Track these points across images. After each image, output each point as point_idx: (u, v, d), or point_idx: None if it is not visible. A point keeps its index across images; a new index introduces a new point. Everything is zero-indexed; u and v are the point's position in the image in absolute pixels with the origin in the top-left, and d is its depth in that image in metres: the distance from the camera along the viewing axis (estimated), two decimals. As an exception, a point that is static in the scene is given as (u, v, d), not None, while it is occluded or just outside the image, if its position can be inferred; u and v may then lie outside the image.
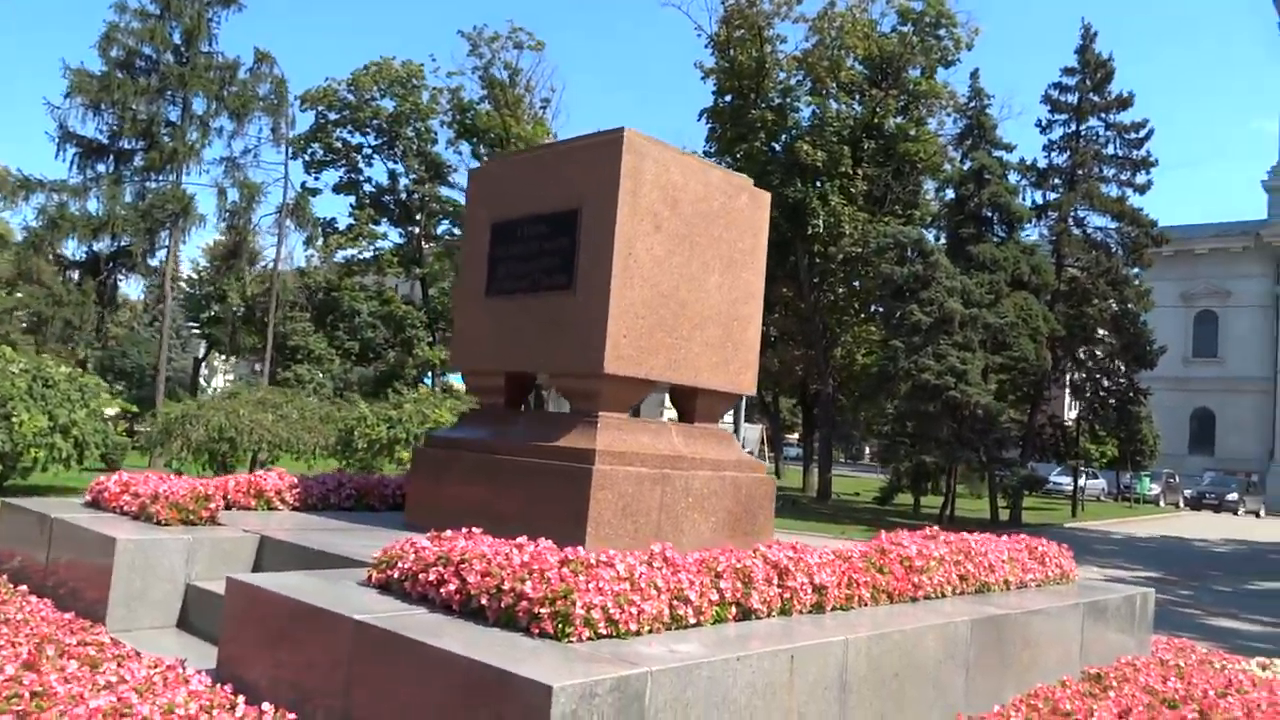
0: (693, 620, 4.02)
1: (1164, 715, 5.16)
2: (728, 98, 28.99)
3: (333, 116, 42.99)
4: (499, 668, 3.13)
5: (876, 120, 28.93)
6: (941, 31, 29.09)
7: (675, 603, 3.97)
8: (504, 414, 6.97)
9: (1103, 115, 26.64)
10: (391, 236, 45.50)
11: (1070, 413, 32.29)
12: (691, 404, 7.03)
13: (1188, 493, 47.78)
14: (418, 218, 45.61)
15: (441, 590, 3.97)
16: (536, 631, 3.58)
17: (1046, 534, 21.90)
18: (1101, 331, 26.11)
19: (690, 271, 6.73)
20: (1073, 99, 26.82)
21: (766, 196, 7.63)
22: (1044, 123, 27.24)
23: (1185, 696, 5.65)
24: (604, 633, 3.63)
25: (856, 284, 28.38)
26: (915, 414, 22.32)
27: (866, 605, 4.98)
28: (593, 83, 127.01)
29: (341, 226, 44.16)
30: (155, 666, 4.13)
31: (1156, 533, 26.73)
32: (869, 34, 28.17)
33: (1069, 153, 26.59)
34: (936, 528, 6.59)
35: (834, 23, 27.06)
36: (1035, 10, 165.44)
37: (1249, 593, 16.22)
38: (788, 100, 28.59)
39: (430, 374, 42.89)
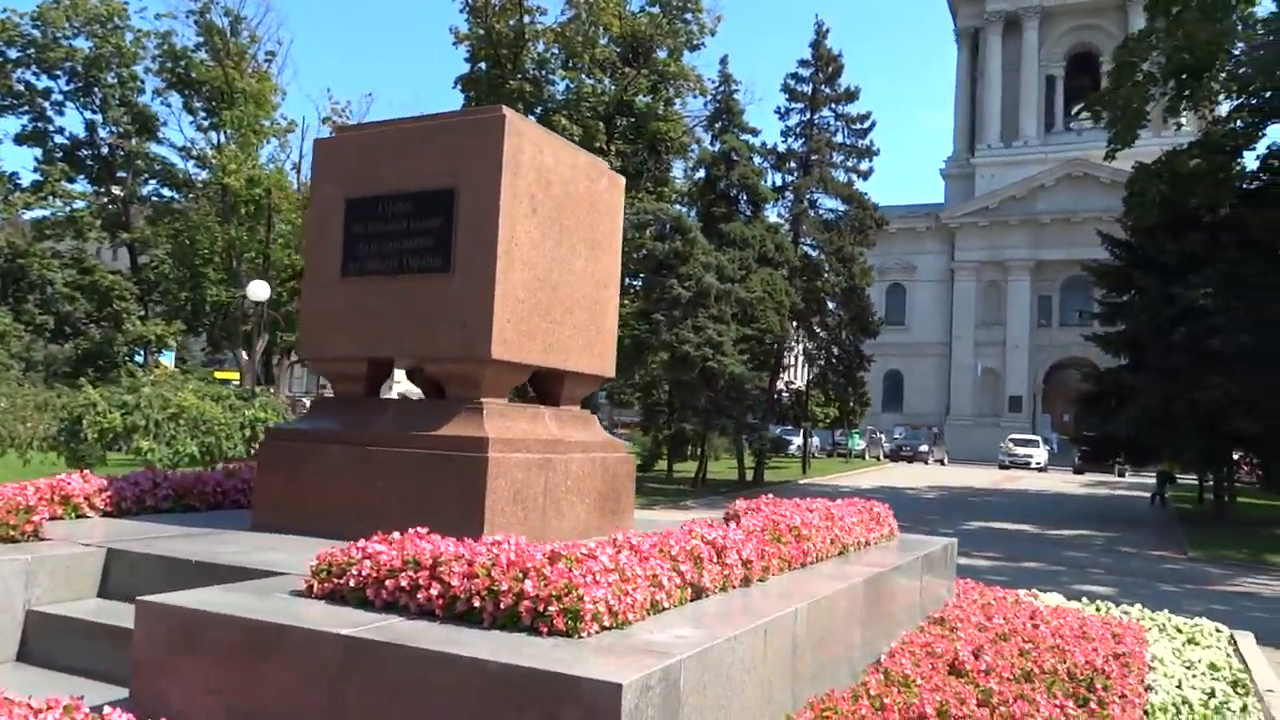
0: (666, 604, 4.13)
1: (1004, 648, 5.96)
2: (482, 65, 28.48)
3: (12, 54, 37.38)
4: (552, 671, 3.08)
5: (628, 98, 29.67)
6: (688, 16, 30.27)
7: (651, 588, 4.06)
8: (367, 403, 6.61)
9: (833, 106, 29.12)
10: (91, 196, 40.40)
11: (801, 379, 35.21)
12: (560, 387, 7.03)
13: (887, 446, 53.78)
14: (121, 175, 40.85)
15: (418, 596, 3.79)
16: (545, 630, 3.53)
17: (787, 490, 23.95)
18: (831, 304, 28.73)
19: (560, 255, 6.72)
20: (807, 89, 29.09)
21: (622, 180, 7.75)
22: (783, 110, 29.35)
23: (1011, 630, 6.56)
24: (607, 624, 3.66)
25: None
26: (676, 384, 23.39)
27: (774, 574, 5.32)
28: (330, 39, 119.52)
29: (26, 183, 38.68)
30: (45, 710, 3.40)
31: (876, 483, 29.97)
32: (620, 12, 28.76)
33: (804, 139, 28.85)
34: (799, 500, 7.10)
35: (588, -1, 27.39)
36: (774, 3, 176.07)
37: (968, 532, 18.66)
38: (543, 73, 28.58)
39: (144, 351, 38.83)
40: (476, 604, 3.68)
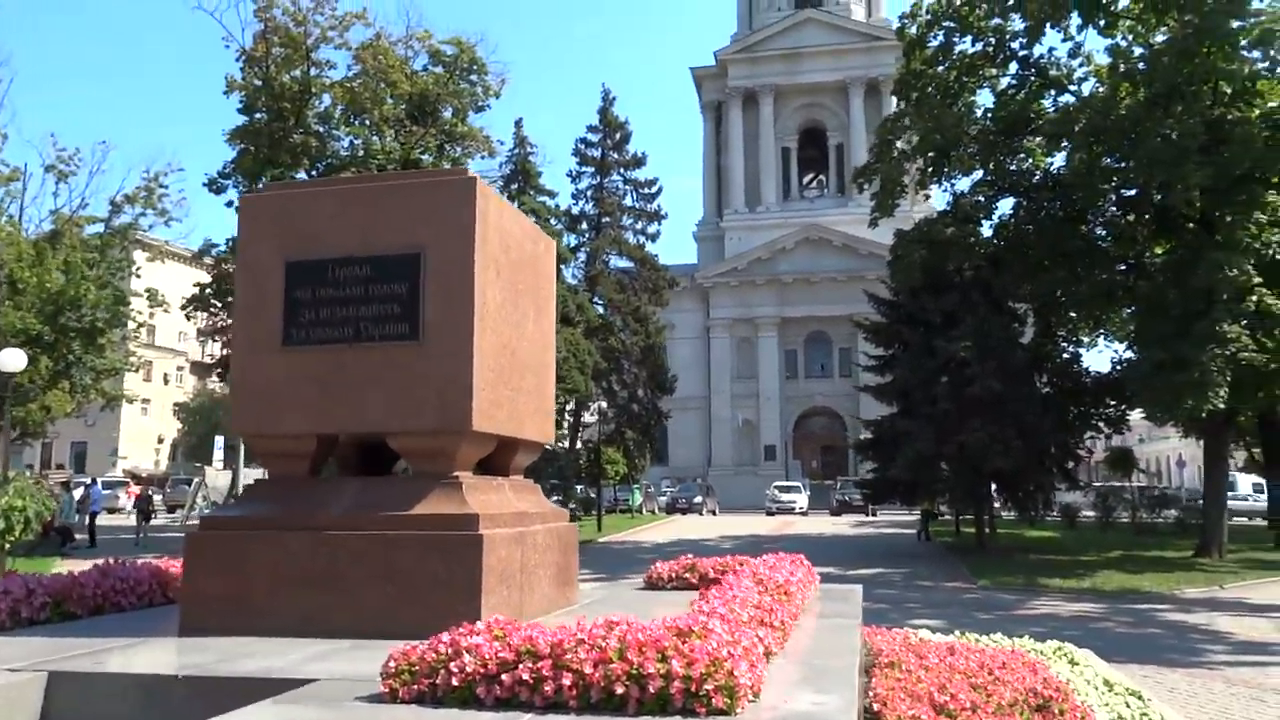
0: (760, 669, 4.11)
1: (960, 683, 6.37)
2: (261, 115, 26.97)
3: None
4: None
5: (415, 157, 29.13)
6: (474, 77, 30.34)
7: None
8: (318, 483, 6.05)
9: (622, 171, 30.17)
10: None
11: (593, 435, 35.53)
12: (513, 457, 6.77)
13: (662, 500, 55.13)
14: None
15: (544, 688, 3.55)
16: (703, 710, 3.42)
17: (596, 550, 24.11)
18: (626, 362, 29.41)
19: (516, 319, 6.56)
20: (597, 154, 29.96)
21: (554, 244, 7.67)
22: (574, 173, 30.02)
23: (947, 666, 7.00)
24: (750, 699, 3.60)
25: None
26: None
27: (790, 631, 5.42)
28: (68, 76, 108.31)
29: None
30: None
31: (672, 536, 30.67)
32: (408, 72, 28.35)
33: (595, 202, 29.60)
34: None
35: (377, 55, 26.72)
36: (567, 68, 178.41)
37: (785, 578, 19.50)
38: (327, 128, 27.49)
39: None
40: (619, 690, 3.49)
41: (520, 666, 3.61)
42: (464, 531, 5.46)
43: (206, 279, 32.00)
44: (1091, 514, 35.61)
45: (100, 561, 7.57)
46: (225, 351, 35.23)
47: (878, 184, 27.03)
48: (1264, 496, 56.05)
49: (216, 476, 53.29)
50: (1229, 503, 27.39)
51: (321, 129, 27.51)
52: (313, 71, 26.60)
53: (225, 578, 5.64)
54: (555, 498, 24.99)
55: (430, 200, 5.93)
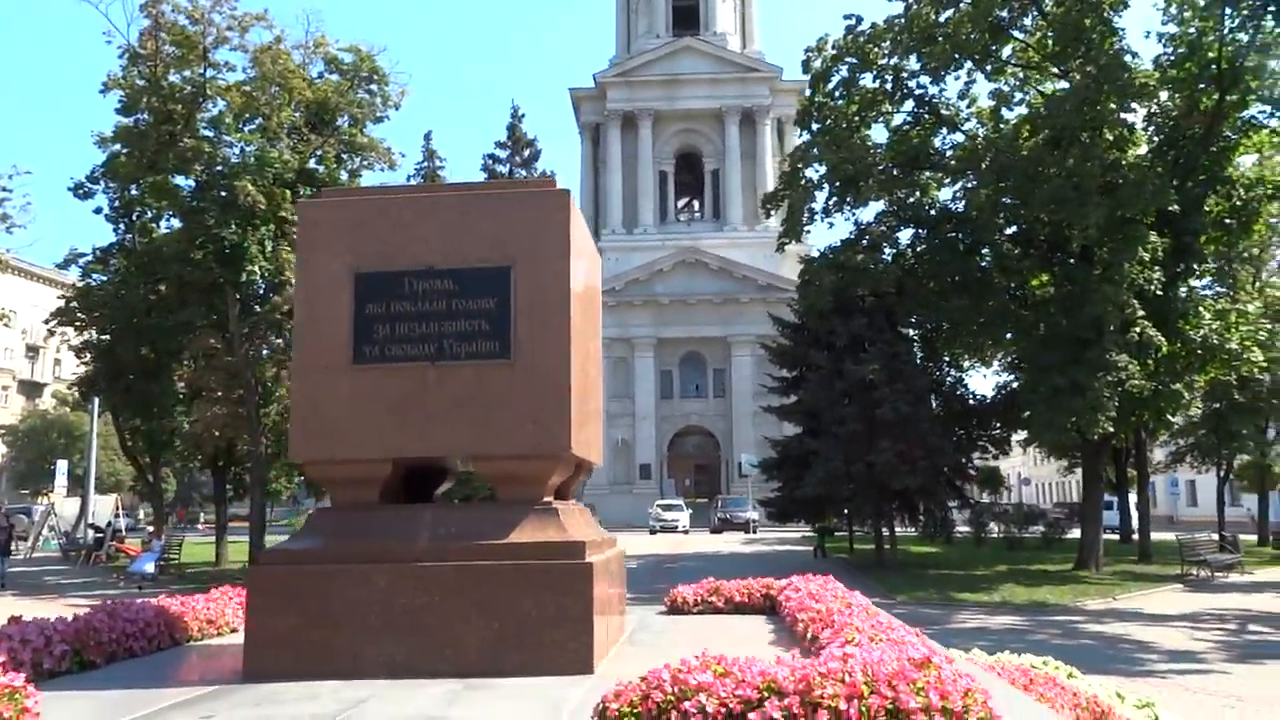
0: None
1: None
2: (142, 116, 25.26)
3: None
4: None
5: (312, 166, 27.96)
6: (374, 87, 29.38)
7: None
8: (392, 510, 5.63)
9: (531, 189, 29.70)
10: None
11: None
12: (576, 480, 6.52)
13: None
14: None
15: (800, 730, 3.39)
16: (966, 746, 3.34)
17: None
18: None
19: (589, 335, 6.36)
20: (505, 170, 29.53)
21: (599, 259, 7.46)
22: (482, 189, 29.38)
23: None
24: (996, 730, 3.54)
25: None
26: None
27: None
28: None
29: None
30: None
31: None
32: (309, 79, 27.20)
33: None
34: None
35: (276, 59, 25.49)
36: (469, 81, 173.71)
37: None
38: (217, 133, 26.00)
39: None
40: (887, 728, 3.36)
41: (767, 703, 3.43)
42: (572, 560, 5.21)
43: (53, 292, 29.60)
44: (966, 529, 37.35)
45: (99, 600, 6.83)
46: (83, 369, 32.70)
47: (785, 209, 27.78)
48: (1111, 513, 60.61)
49: (63, 505, 49.28)
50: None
51: (211, 134, 25.99)
52: (209, 73, 25.11)
53: (299, 617, 5.17)
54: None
55: (522, 212, 5.67)
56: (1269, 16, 25.09)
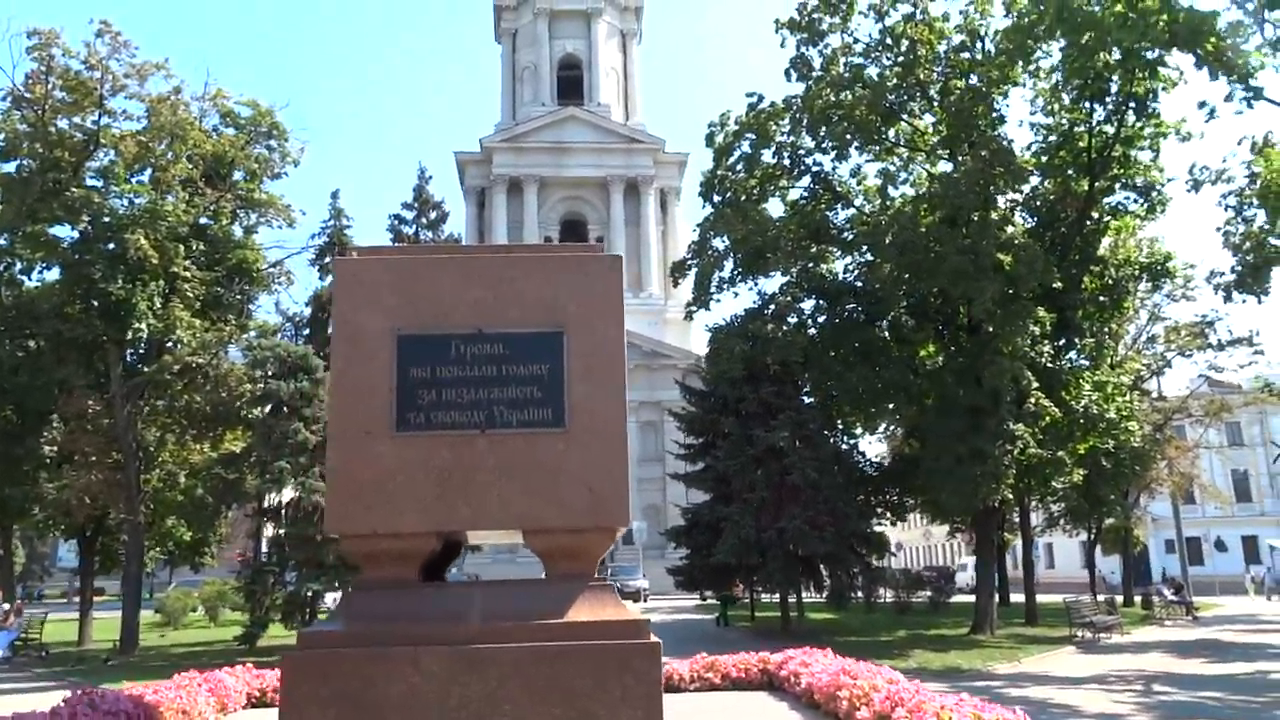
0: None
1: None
2: (24, 162, 23.69)
3: None
4: None
5: (205, 222, 26.77)
6: (273, 143, 28.54)
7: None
8: (434, 588, 5.28)
9: (438, 250, 29.21)
10: None
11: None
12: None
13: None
14: None
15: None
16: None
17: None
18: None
19: (624, 401, 6.18)
20: (411, 231, 28.96)
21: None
22: (388, 250, 28.70)
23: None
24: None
25: (196, 398, 25.10)
26: (299, 539, 20.90)
27: None
28: None
29: None
30: None
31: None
32: (203, 129, 26.16)
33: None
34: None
35: (175, 110, 24.43)
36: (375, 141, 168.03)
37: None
38: (108, 183, 24.60)
39: None
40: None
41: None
42: (637, 640, 4.99)
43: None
44: (857, 594, 38.02)
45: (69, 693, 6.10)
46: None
47: (692, 278, 28.28)
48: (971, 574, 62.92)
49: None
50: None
51: (99, 184, 24.55)
52: (103, 120, 23.77)
53: (344, 708, 4.74)
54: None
55: (575, 276, 5.52)
56: (1130, 112, 27.48)
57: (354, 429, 5.23)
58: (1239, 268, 29.99)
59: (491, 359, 5.35)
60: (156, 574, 56.35)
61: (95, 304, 23.91)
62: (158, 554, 32.49)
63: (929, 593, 37.45)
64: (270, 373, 22.17)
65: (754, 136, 29.69)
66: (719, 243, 28.00)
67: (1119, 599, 35.42)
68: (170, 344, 25.16)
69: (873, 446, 42.22)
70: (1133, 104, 27.10)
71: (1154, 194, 28.11)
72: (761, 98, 29.67)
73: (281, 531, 23.19)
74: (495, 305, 5.40)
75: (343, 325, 5.43)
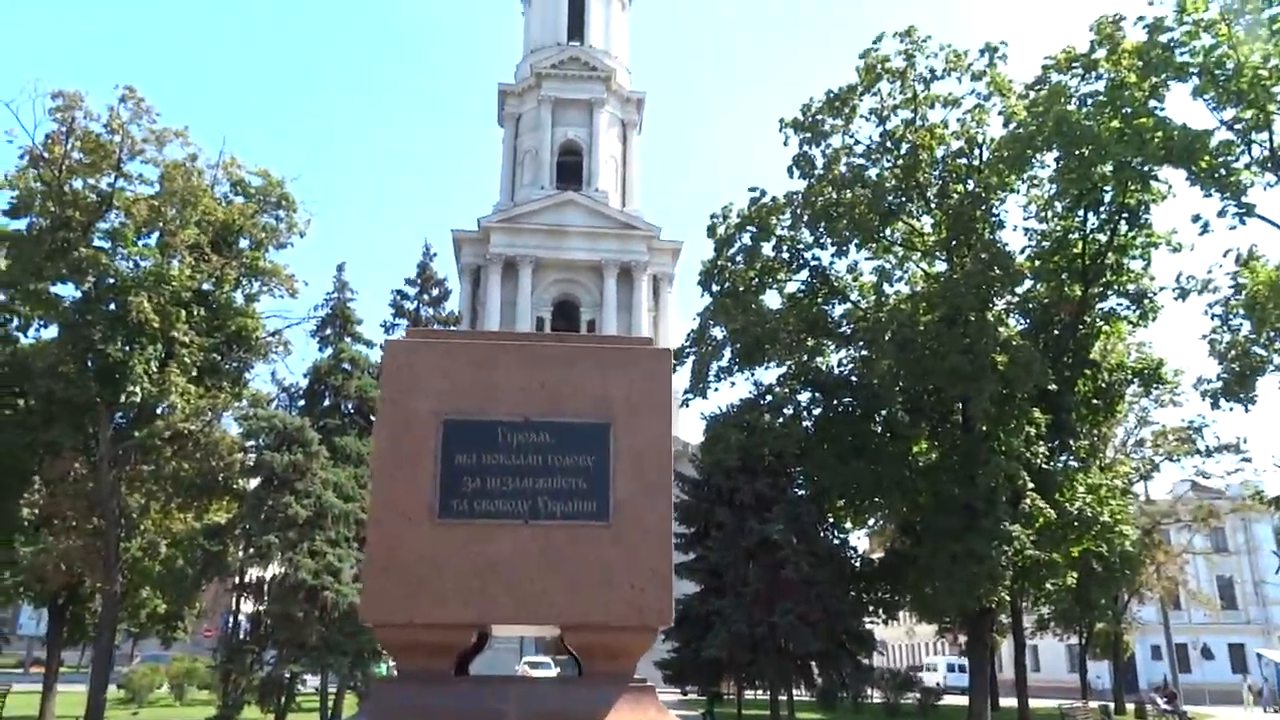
0: None
1: None
2: (35, 219, 23.82)
3: None
4: None
5: (207, 288, 26.82)
6: (280, 213, 28.80)
7: None
8: (474, 684, 5.15)
9: (440, 326, 29.37)
10: None
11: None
12: (636, 651, 6.12)
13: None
14: None
15: None
16: None
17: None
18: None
19: (660, 497, 6.12)
20: (413, 307, 29.07)
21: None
22: (388, 325, 28.82)
23: None
24: None
25: (185, 465, 24.72)
26: (281, 617, 20.36)
27: None
28: None
29: None
30: None
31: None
32: (214, 196, 26.45)
33: (408, 356, 28.32)
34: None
35: (189, 176, 24.72)
36: (378, 216, 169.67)
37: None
38: (115, 245, 24.70)
39: None
40: None
41: None
42: (677, 748, 4.82)
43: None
44: (845, 694, 37.24)
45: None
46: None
47: (690, 366, 28.39)
48: (959, 674, 61.95)
49: None
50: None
51: (106, 245, 24.65)
52: (119, 183, 24.00)
53: (376, 812, 4.55)
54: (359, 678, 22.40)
55: (625, 368, 5.50)
56: (1123, 221, 28.16)
57: (395, 513, 5.15)
58: (1225, 376, 30.46)
59: (537, 448, 5.30)
60: (120, 647, 54.72)
61: (91, 365, 23.72)
62: (129, 626, 31.48)
63: (917, 694, 36.73)
64: (264, 443, 21.91)
65: (755, 229, 30.17)
66: (718, 332, 28.21)
67: (1111, 706, 34.77)
68: (163, 409, 24.88)
69: (859, 542, 41.91)
70: (1125, 214, 27.79)
71: (1146, 301, 28.63)
72: (764, 192, 30.29)
73: (261, 608, 22.57)
74: (543, 394, 5.38)
75: (389, 408, 5.38)
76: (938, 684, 45.15)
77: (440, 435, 5.25)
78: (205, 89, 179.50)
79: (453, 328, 29.89)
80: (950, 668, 63.45)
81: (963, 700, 38.21)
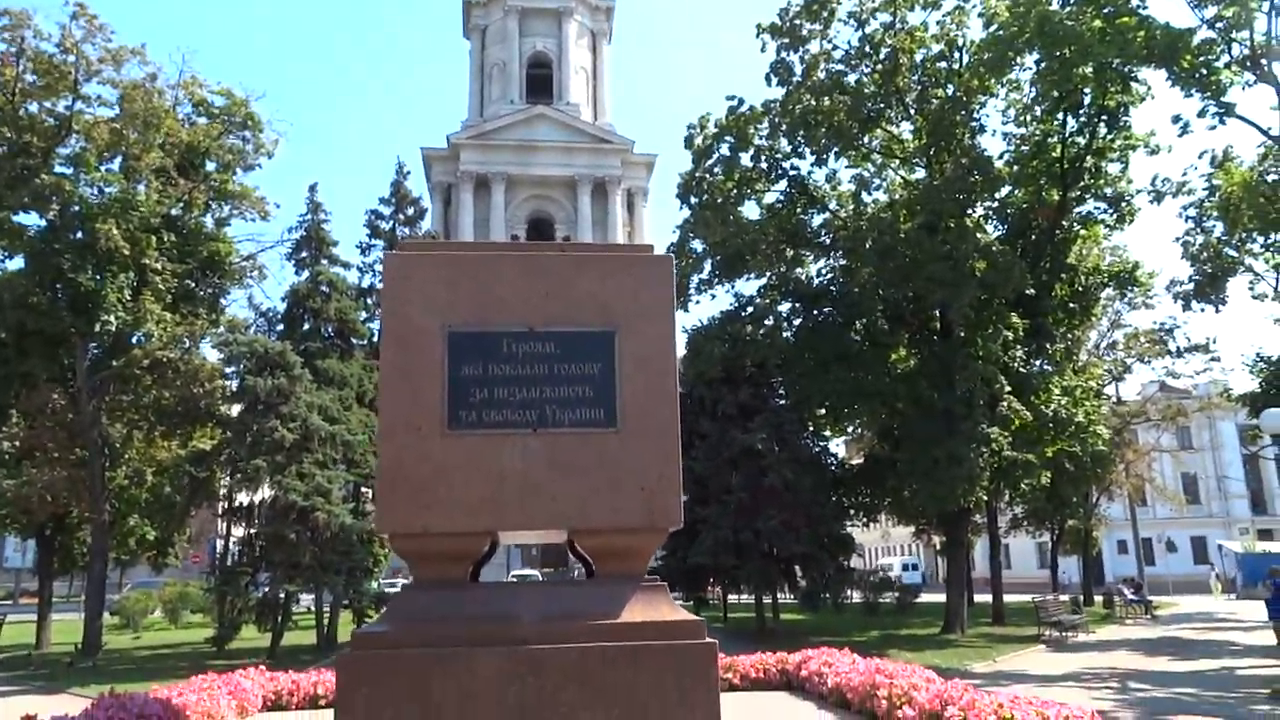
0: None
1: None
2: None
3: None
4: None
5: (178, 212, 26.24)
6: (247, 134, 28.05)
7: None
8: (487, 588, 5.24)
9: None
10: None
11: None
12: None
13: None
14: None
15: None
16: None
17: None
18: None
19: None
20: (389, 227, 28.63)
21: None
22: (364, 246, 28.39)
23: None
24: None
25: (165, 393, 24.54)
26: (274, 538, 20.56)
27: None
28: None
29: None
30: None
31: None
32: (177, 117, 25.67)
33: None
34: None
35: (149, 97, 23.94)
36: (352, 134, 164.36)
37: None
38: (78, 170, 24.01)
39: None
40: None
41: None
42: (694, 640, 4.99)
43: None
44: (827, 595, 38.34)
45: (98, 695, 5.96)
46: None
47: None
48: (912, 573, 63.70)
49: None
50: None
51: (69, 171, 23.97)
52: (77, 105, 23.21)
53: (399, 707, 4.68)
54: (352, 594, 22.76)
55: (627, 276, 5.50)
56: (1102, 125, 28.05)
57: (405, 426, 5.16)
58: (1197, 277, 30.87)
59: (543, 357, 5.31)
60: (109, 575, 55.20)
61: (62, 295, 23.32)
62: (119, 554, 31.71)
63: (896, 594, 37.89)
64: (245, 369, 21.78)
65: (733, 140, 29.79)
66: (698, 244, 28.10)
67: (1080, 599, 36.09)
68: (139, 338, 24.59)
69: (838, 449, 42.58)
70: (1104, 117, 27.66)
71: (1123, 205, 28.73)
72: (741, 101, 29.81)
73: (253, 532, 22.75)
74: (547, 304, 5.37)
75: (392, 321, 5.36)
76: (898, 579, 46.47)
77: (445, 347, 5.24)
78: (160, 5, 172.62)
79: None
80: (905, 567, 65.53)
81: (935, 598, 39.61)
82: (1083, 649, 24.05)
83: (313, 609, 25.19)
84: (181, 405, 24.25)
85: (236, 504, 23.68)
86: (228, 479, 23.76)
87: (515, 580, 51.19)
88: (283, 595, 21.13)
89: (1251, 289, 31.01)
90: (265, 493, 21.50)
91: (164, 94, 24.97)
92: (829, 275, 29.62)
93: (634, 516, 5.20)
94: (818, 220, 30.98)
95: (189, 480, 25.10)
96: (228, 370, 24.07)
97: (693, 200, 30.50)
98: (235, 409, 25.06)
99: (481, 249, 6.25)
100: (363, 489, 23.91)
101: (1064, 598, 30.22)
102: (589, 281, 5.44)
